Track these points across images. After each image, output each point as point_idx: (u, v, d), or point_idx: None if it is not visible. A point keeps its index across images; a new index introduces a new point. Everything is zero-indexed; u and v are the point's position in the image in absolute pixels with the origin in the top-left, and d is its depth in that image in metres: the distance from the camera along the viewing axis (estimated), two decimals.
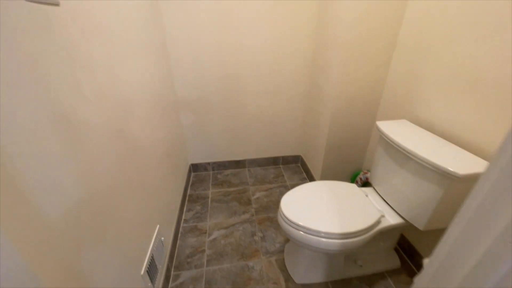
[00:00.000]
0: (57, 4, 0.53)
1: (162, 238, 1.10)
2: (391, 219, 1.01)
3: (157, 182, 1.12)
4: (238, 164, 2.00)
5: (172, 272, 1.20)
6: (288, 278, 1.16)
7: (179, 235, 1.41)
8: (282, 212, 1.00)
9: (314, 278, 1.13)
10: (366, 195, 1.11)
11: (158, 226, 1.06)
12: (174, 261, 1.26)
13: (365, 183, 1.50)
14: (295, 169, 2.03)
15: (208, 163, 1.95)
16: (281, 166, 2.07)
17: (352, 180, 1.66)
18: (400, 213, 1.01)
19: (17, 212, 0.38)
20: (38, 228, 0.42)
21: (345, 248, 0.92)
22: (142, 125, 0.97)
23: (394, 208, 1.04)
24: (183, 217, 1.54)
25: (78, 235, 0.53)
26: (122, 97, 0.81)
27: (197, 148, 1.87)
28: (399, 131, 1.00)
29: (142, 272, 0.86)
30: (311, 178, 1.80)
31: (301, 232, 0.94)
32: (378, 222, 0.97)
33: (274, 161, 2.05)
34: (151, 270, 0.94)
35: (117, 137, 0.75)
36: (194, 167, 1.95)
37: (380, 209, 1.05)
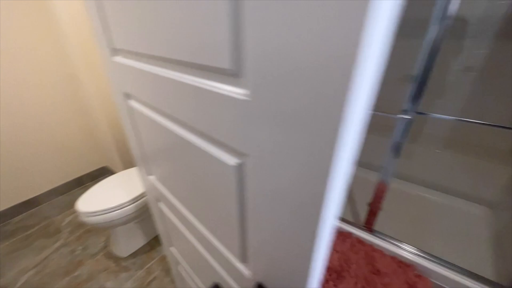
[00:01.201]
0: None
1: None
2: None
3: None
4: (30, 203, 1.78)
5: None
6: (117, 259, 1.41)
7: None
8: (79, 211, 1.20)
9: (136, 245, 1.45)
10: None
11: None
12: None
13: None
14: None
15: None
16: (89, 183, 2.08)
17: None
18: None
19: None
20: None
21: (138, 208, 1.30)
22: None
23: None
24: None
25: None
26: None
27: None
28: None
29: None
30: None
31: (102, 215, 1.21)
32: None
33: (78, 182, 2.02)
34: None
35: None
36: None
37: None
